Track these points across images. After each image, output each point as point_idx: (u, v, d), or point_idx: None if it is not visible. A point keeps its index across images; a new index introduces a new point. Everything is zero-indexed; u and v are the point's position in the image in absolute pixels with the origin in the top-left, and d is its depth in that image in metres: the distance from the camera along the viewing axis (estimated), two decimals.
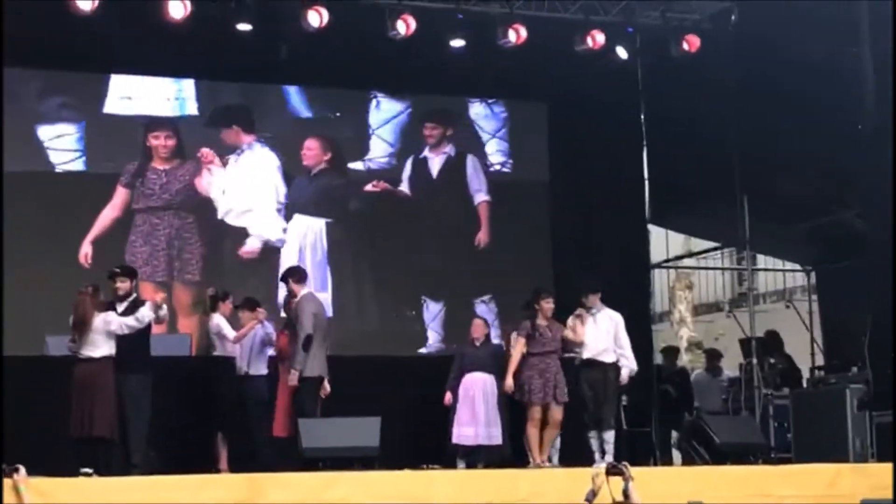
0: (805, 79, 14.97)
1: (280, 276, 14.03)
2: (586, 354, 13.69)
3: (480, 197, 17.03)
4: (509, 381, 13.35)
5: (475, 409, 13.90)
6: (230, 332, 13.83)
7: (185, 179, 16.07)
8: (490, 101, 17.33)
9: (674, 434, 16.51)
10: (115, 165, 15.94)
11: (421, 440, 14.27)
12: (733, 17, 16.21)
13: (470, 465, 13.76)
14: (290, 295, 13.45)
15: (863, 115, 14.17)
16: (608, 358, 13.69)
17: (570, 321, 13.71)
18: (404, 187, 16.82)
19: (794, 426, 14.88)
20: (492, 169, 17.27)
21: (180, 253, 15.96)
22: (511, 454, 13.88)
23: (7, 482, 10.14)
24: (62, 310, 12.45)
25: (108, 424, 11.82)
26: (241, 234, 16.30)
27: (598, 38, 15.94)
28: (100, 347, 11.96)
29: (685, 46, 16.14)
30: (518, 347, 13.43)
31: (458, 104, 17.29)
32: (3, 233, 14.02)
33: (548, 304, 13.58)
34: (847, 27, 14.37)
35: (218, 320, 13.92)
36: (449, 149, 17.03)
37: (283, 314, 14.21)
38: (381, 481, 11.36)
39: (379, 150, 16.91)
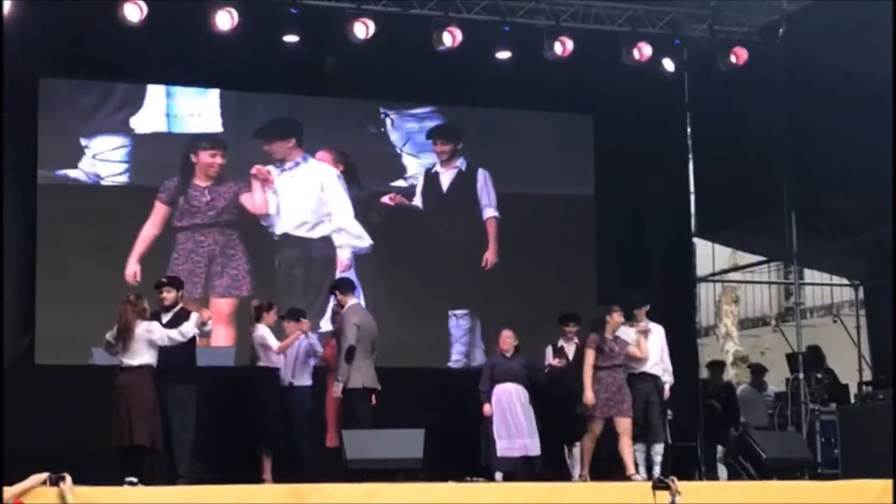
0: (854, 91, 14.87)
1: (329, 287, 14.03)
2: (639, 368, 13.70)
3: (489, 212, 16.90)
4: (589, 395, 13.30)
5: (509, 421, 14.06)
6: (274, 343, 13.86)
7: (229, 196, 16.02)
8: (535, 113, 17.28)
9: (720, 449, 16.43)
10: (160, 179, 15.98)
11: (455, 453, 14.31)
12: (781, 30, 16.17)
13: (508, 477, 13.80)
14: (338, 306, 13.54)
15: None
16: (658, 371, 13.73)
17: (633, 336, 13.73)
18: (417, 201, 16.71)
19: (841, 442, 14.80)
20: (536, 182, 17.21)
21: (224, 269, 15.91)
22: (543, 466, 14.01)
23: (53, 490, 10.21)
24: (109, 321, 12.51)
25: (148, 433, 11.86)
26: (302, 245, 16.26)
27: (644, 51, 15.90)
28: (140, 356, 12.01)
29: (733, 59, 16.07)
30: (589, 360, 13.42)
31: (503, 116, 17.25)
32: (4, 242, 14.02)
33: (619, 318, 13.64)
34: None
35: (262, 331, 13.95)
36: (460, 163, 16.91)
37: (331, 325, 14.30)
38: (425, 493, 11.37)
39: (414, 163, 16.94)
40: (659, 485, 11.38)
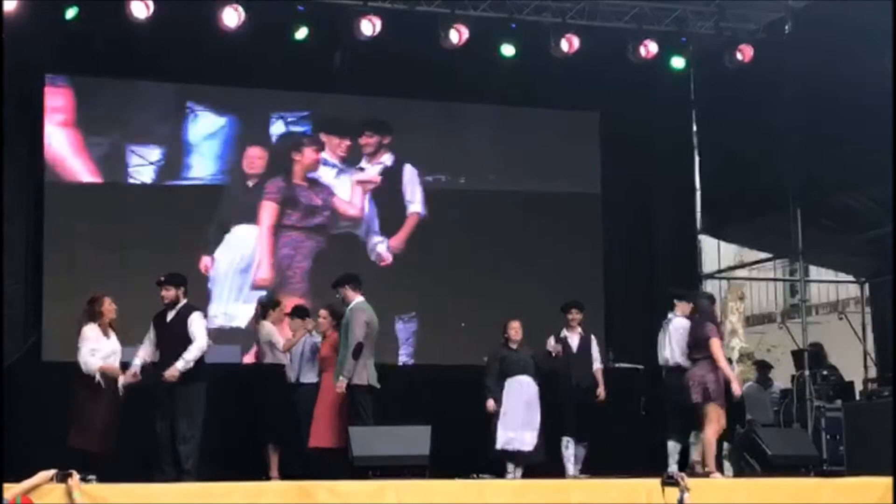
0: (860, 89, 14.88)
1: (335, 282, 13.65)
2: (672, 361, 13.72)
3: (412, 208, 16.85)
4: (737, 387, 13.37)
5: (521, 414, 13.85)
6: (279, 341, 13.87)
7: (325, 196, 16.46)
8: (542, 110, 17.28)
9: (725, 446, 16.43)
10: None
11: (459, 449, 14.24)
12: (787, 28, 16.17)
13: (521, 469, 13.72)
14: (343, 301, 13.31)
15: None
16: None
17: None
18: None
19: (846, 439, 14.80)
20: (542, 178, 17.21)
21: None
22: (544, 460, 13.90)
23: (60, 487, 10.23)
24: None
25: None
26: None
27: (650, 48, 15.92)
28: None
29: (739, 56, 16.10)
30: (722, 350, 13.34)
31: (508, 112, 17.26)
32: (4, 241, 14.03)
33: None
34: None
35: (269, 329, 13.96)
36: (386, 158, 16.82)
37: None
38: (432, 490, 11.37)
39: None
40: (668, 481, 11.39)
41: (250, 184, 16.32)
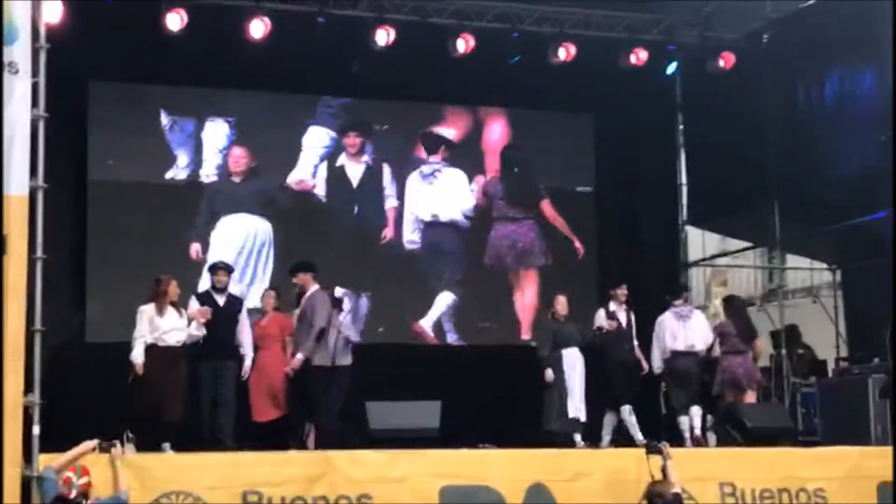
0: (833, 90, 14.92)
1: (292, 268, 13.26)
2: (681, 346, 13.93)
3: (391, 202, 16.53)
4: None
5: (576, 383, 13.64)
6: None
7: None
8: (540, 113, 17.28)
9: (709, 418, 16.44)
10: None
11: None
12: (765, 37, 16.21)
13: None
14: (302, 288, 12.95)
15: (885, 126, 14.07)
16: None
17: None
18: (320, 191, 16.28)
19: (820, 412, 14.83)
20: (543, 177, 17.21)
21: None
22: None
23: (104, 456, 10.28)
24: None
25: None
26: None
27: (641, 55, 15.96)
28: None
29: (721, 63, 16.16)
30: None
31: (511, 115, 17.26)
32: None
33: None
34: (872, 44, 14.31)
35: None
36: (367, 158, 16.53)
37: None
38: (441, 459, 11.43)
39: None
40: (652, 449, 11.42)
41: (237, 180, 16.07)
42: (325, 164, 16.26)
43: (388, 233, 16.41)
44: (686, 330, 14.12)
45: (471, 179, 16.97)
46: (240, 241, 15.84)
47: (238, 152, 15.98)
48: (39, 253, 10.51)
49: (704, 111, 17.13)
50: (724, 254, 20.79)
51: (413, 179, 16.70)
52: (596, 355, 13.98)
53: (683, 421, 13.83)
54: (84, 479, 9.96)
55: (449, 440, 12.26)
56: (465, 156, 17.01)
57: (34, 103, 10.52)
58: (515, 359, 15.52)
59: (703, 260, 20.28)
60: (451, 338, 16.59)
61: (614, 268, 16.67)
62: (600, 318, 14.13)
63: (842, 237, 16.34)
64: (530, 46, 15.63)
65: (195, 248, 15.57)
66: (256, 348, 13.17)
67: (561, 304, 13.96)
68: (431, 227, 16.68)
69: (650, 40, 16.09)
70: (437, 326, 16.56)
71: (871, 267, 15.78)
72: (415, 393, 13.01)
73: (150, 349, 12.02)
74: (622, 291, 14.22)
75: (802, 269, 21.39)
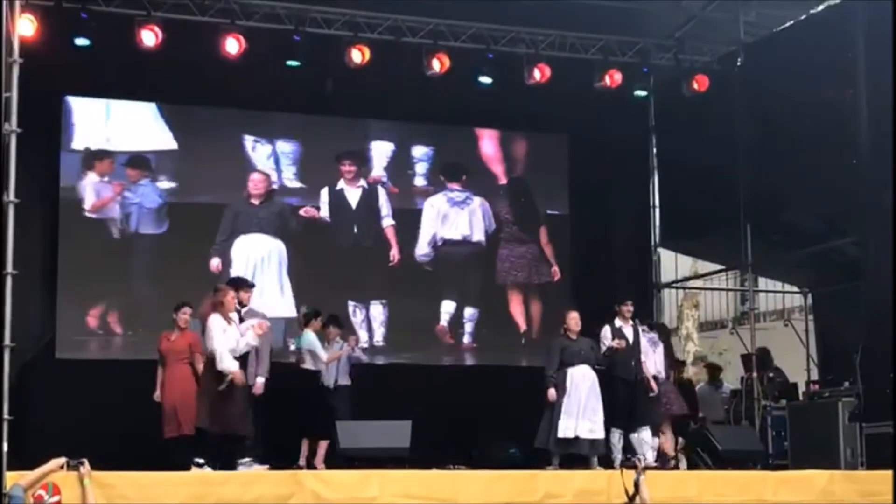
0: (805, 116, 15.00)
1: (233, 283, 12.92)
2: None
3: (388, 221, 16.69)
4: None
5: (579, 402, 13.22)
6: (323, 354, 13.87)
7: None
8: (515, 132, 17.32)
9: (680, 441, 16.48)
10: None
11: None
12: (739, 60, 16.30)
13: (571, 458, 13.20)
14: (239, 303, 12.61)
15: (857, 151, 14.17)
16: None
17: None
18: (324, 214, 16.50)
19: (790, 435, 14.83)
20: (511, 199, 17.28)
21: None
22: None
23: (72, 474, 10.20)
24: (122, 319, 12.49)
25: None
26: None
27: (615, 77, 16.01)
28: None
29: (695, 85, 16.22)
30: None
31: (486, 136, 17.29)
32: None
33: None
34: (843, 70, 14.40)
35: (312, 338, 13.85)
36: (362, 182, 16.65)
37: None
38: (411, 480, 11.40)
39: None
40: (626, 464, 11.45)
41: (255, 202, 16.19)
42: (326, 190, 16.51)
43: (395, 254, 16.66)
44: (656, 356, 14.27)
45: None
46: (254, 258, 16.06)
47: (257, 177, 16.20)
48: (10, 268, 10.44)
49: (677, 134, 17.21)
50: (697, 276, 20.86)
51: (438, 202, 16.97)
52: (602, 373, 13.64)
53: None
54: (55, 498, 9.90)
55: (419, 460, 12.23)
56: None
57: (6, 118, 10.47)
58: (490, 378, 15.56)
59: (676, 282, 20.35)
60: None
61: (586, 289, 16.69)
62: (607, 336, 13.88)
63: (813, 261, 16.41)
64: (505, 67, 15.65)
65: (215, 263, 15.73)
66: (163, 363, 13.02)
67: (573, 320, 13.55)
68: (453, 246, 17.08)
69: (624, 63, 16.15)
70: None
71: (842, 291, 15.85)
72: (385, 412, 13.01)
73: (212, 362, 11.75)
74: (628, 308, 14.04)
75: (774, 293, 21.49)
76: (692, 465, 14.18)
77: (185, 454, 11.80)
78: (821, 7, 15.65)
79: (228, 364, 11.52)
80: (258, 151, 16.33)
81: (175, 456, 12.18)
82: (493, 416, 14.61)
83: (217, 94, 15.59)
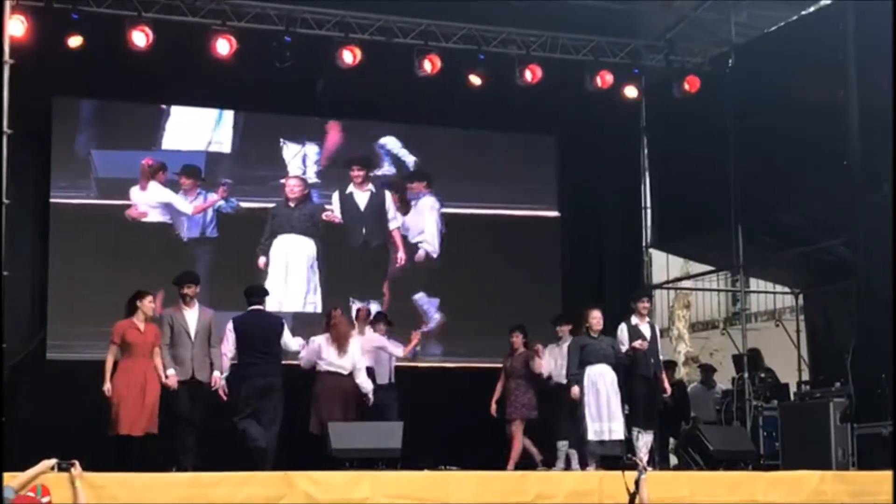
0: (796, 118, 15.01)
1: (184, 279, 12.67)
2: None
3: (394, 224, 16.82)
4: None
5: (602, 403, 13.15)
6: (397, 351, 14.34)
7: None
8: (504, 134, 17.32)
9: (671, 441, 16.49)
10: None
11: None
12: (730, 61, 16.32)
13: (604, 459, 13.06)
14: (185, 299, 12.52)
15: (848, 152, 14.19)
16: None
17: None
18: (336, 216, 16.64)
19: (781, 436, 14.85)
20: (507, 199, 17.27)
21: None
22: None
23: (63, 476, 10.18)
24: (112, 320, 12.46)
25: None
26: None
27: (606, 78, 16.02)
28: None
29: (686, 87, 16.23)
30: None
31: (477, 136, 17.28)
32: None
33: None
34: (834, 71, 14.43)
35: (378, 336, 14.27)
36: (370, 186, 16.73)
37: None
38: (403, 480, 11.39)
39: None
40: (628, 463, 11.45)
41: (292, 205, 16.42)
42: (336, 194, 16.67)
43: (401, 256, 16.78)
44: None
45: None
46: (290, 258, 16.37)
47: (293, 182, 16.45)
48: (1, 269, 10.42)
49: (668, 134, 17.24)
50: (688, 276, 20.89)
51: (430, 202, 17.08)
52: (622, 371, 13.52)
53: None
54: (46, 499, 9.88)
55: (411, 461, 12.23)
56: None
57: None
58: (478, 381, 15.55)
59: (667, 282, 20.37)
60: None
61: (578, 290, 16.69)
62: (624, 335, 13.70)
63: (804, 262, 16.44)
64: (496, 68, 15.65)
65: (262, 261, 16.12)
66: (127, 354, 12.17)
67: (595, 318, 13.40)
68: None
69: (616, 63, 16.16)
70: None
71: (833, 291, 15.89)
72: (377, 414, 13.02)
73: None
74: (644, 304, 13.91)
75: (765, 293, 21.53)
76: (684, 466, 14.18)
77: (150, 453, 11.93)
78: (812, 8, 15.70)
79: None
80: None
81: (132, 455, 11.93)
82: (487, 417, 14.53)
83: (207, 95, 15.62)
